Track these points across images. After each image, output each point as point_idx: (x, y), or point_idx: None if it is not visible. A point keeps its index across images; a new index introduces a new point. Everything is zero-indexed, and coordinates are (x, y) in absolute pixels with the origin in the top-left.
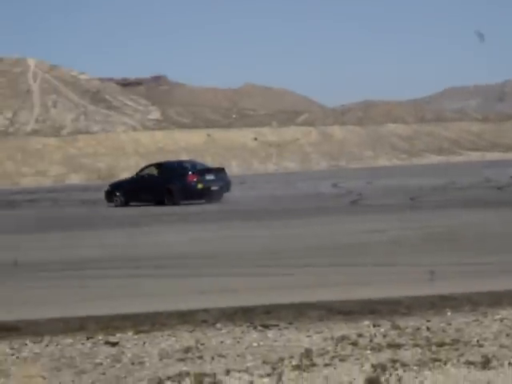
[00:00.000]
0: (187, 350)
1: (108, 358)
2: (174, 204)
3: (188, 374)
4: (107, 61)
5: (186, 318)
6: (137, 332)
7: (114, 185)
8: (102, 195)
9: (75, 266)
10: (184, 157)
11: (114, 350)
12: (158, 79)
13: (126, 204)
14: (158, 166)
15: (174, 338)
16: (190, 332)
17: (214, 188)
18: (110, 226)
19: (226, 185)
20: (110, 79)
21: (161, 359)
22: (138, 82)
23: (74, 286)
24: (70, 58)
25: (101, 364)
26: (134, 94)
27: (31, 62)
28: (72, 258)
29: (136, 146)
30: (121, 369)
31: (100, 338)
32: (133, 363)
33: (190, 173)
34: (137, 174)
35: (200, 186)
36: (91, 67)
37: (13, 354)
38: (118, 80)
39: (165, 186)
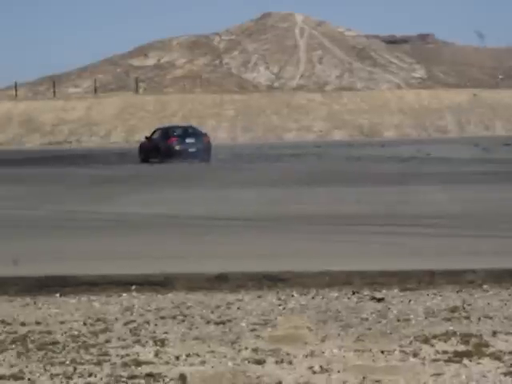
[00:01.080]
0: (453, 309)
1: (374, 314)
2: (162, 162)
3: (454, 333)
4: (374, 18)
5: (452, 277)
6: (403, 289)
7: (140, 144)
8: (363, 152)
9: (342, 220)
10: (448, 116)
11: (379, 306)
12: (424, 37)
13: (145, 161)
14: (160, 130)
15: (440, 297)
16: (457, 292)
17: (191, 150)
18: (375, 183)
19: (205, 148)
20: (376, 36)
21: (426, 317)
22: (404, 40)
23: (339, 241)
24: (337, 14)
25: (366, 319)
26: (400, 51)
27: (299, 18)
28: (338, 213)
29: (400, 104)
30: (386, 325)
31: (366, 293)
32: (398, 320)
33: (171, 136)
34: (150, 135)
35: (177, 147)
36: (358, 24)
37: (280, 305)
38: (384, 37)
39: (158, 146)
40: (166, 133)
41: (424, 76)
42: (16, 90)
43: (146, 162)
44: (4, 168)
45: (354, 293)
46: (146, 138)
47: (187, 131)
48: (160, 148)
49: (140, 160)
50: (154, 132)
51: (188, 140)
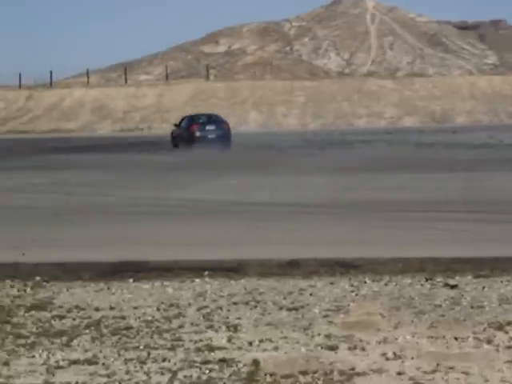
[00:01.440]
0: None
1: (447, 301)
2: (186, 148)
3: None
4: (446, 3)
5: None
6: (476, 276)
7: (172, 131)
8: (434, 138)
9: (414, 207)
10: None
11: (453, 293)
12: (497, 23)
13: (175, 146)
14: (186, 117)
15: None
16: None
17: (210, 136)
18: (446, 169)
19: (224, 134)
20: (448, 22)
21: (500, 304)
22: (475, 26)
23: (412, 228)
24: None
25: (440, 306)
26: (471, 37)
27: (370, 4)
28: (410, 199)
29: (472, 90)
30: (460, 312)
31: (439, 279)
32: (472, 307)
33: (193, 123)
34: (179, 123)
35: (198, 134)
36: (429, 9)
37: (352, 291)
38: (456, 23)
39: (182, 133)
40: (190, 120)
41: (496, 62)
42: (88, 77)
43: (177, 148)
44: (79, 154)
45: (427, 279)
46: (175, 125)
47: (209, 119)
48: (184, 134)
49: (172, 146)
50: (182, 120)
51: (208, 127)
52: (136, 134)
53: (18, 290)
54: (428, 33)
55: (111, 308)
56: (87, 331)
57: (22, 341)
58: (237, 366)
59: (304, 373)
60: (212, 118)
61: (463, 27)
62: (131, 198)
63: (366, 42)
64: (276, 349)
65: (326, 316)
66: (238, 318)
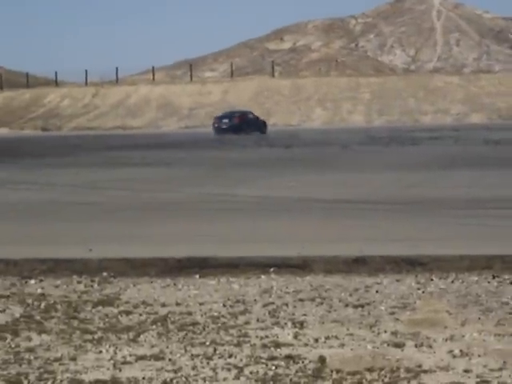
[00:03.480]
0: None
1: None
2: (216, 135)
3: None
4: None
5: None
6: None
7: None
8: (501, 135)
9: (481, 204)
10: None
11: None
12: None
13: (215, 135)
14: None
15: None
16: None
17: (224, 127)
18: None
19: (234, 125)
20: None
21: None
22: None
23: (479, 225)
24: None
25: (507, 303)
26: None
27: (436, 0)
28: (477, 197)
29: None
30: None
31: (506, 277)
32: None
33: (216, 118)
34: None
35: (216, 125)
36: (495, 6)
37: (419, 289)
38: None
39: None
40: (217, 116)
41: None
42: (153, 74)
43: (216, 136)
44: (144, 151)
45: (494, 277)
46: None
47: (227, 114)
48: (213, 126)
49: (215, 135)
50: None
51: (224, 120)
52: (201, 130)
53: (86, 286)
54: (494, 29)
55: (177, 304)
56: (154, 327)
57: (89, 336)
58: (303, 362)
59: (370, 370)
60: (229, 114)
61: None
62: (198, 194)
63: (431, 39)
64: (342, 346)
65: (392, 313)
66: (304, 315)
